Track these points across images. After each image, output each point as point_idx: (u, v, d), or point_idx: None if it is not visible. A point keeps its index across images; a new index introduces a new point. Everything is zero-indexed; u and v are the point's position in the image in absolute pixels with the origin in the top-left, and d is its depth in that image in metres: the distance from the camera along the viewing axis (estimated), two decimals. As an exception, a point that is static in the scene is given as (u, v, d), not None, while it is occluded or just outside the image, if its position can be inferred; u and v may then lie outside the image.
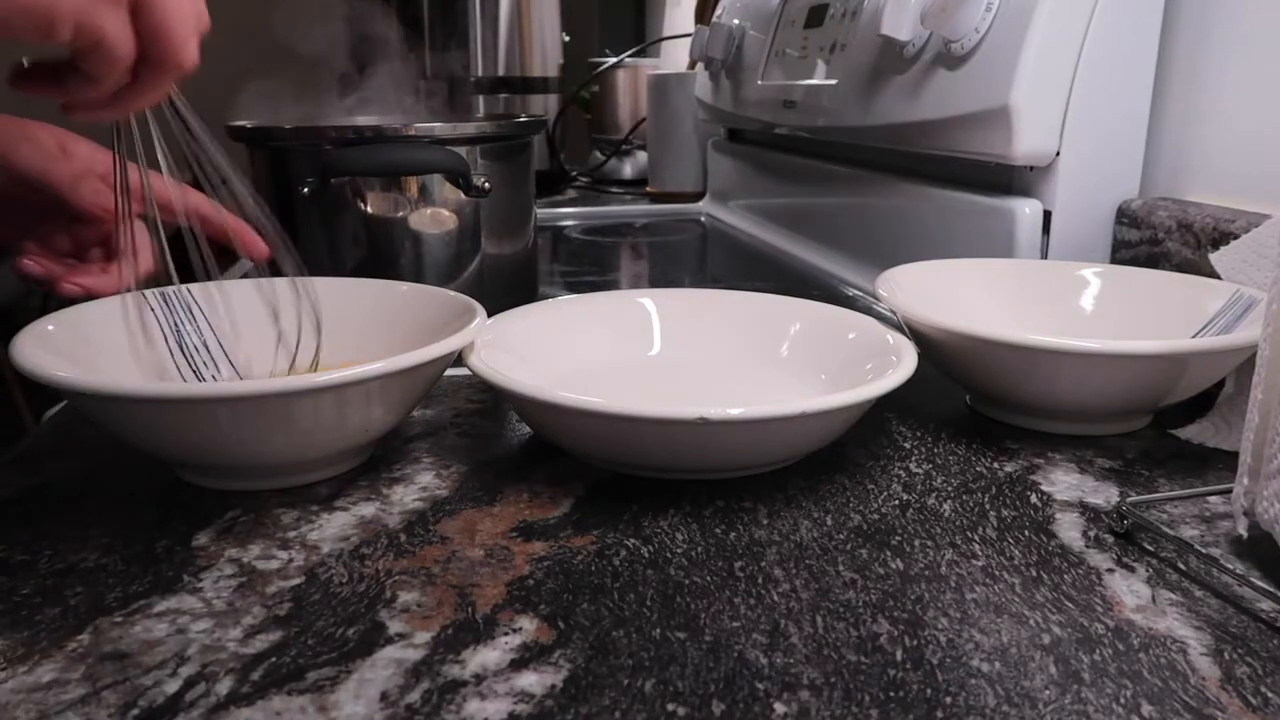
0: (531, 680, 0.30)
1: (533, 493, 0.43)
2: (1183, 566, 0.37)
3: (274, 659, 0.31)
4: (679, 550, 0.38)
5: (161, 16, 0.38)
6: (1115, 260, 0.68)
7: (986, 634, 0.32)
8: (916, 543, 0.39)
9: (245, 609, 0.34)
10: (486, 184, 0.67)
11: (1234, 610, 0.34)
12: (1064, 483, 0.45)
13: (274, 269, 0.49)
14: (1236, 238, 0.56)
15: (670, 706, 0.29)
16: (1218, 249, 0.57)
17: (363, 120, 0.81)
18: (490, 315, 0.50)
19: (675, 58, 1.64)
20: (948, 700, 0.29)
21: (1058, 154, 0.66)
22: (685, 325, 0.58)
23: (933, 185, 0.79)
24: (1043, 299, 0.60)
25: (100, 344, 0.46)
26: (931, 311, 0.50)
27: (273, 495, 0.43)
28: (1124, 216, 0.67)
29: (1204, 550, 0.36)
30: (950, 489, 0.44)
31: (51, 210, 0.53)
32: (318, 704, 0.29)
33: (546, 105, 1.54)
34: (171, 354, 0.48)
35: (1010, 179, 0.72)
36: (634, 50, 1.63)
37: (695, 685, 0.30)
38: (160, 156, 0.44)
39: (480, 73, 1.47)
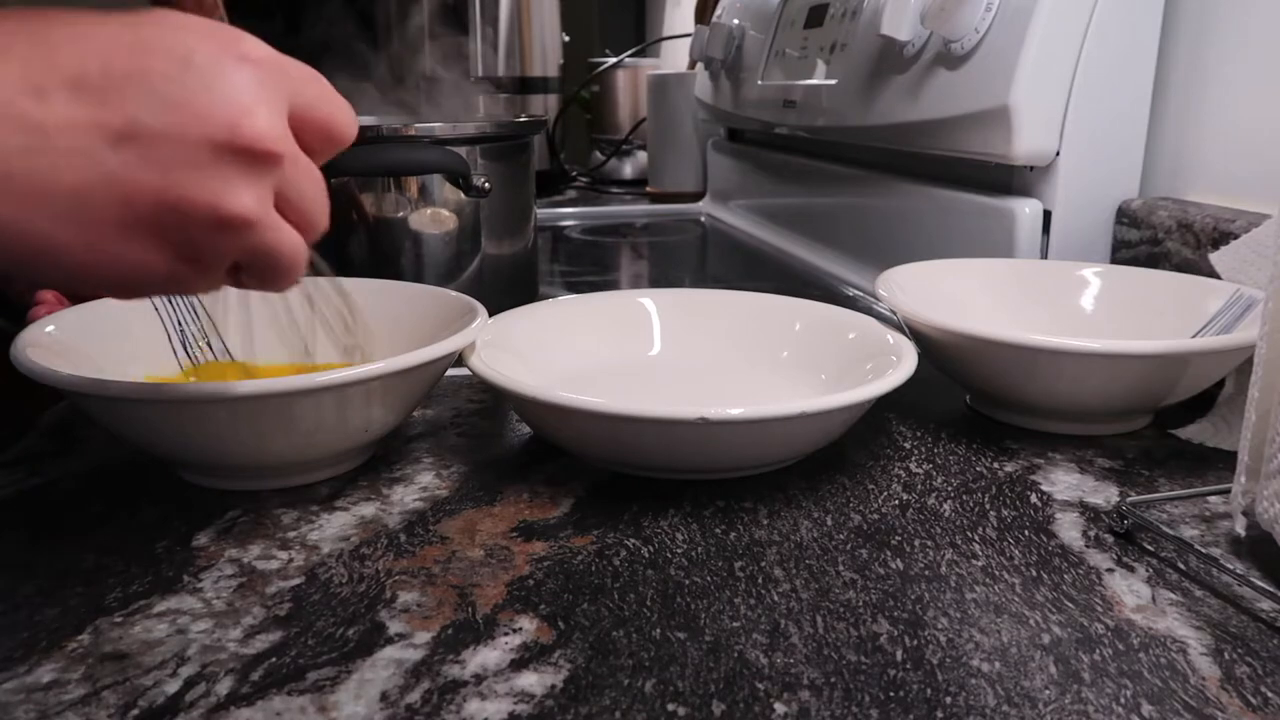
0: (531, 680, 0.30)
1: (533, 493, 0.43)
2: (1183, 566, 0.37)
3: (274, 659, 0.31)
4: (679, 550, 0.38)
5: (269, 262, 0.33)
6: (1115, 260, 0.68)
7: (986, 634, 0.32)
8: (916, 543, 0.39)
9: (245, 609, 0.34)
10: (486, 184, 0.67)
11: (1234, 610, 0.34)
12: (1064, 483, 0.45)
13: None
14: (1236, 238, 0.56)
15: (670, 706, 0.29)
16: (1218, 249, 0.57)
17: (363, 120, 0.81)
18: (490, 315, 0.50)
19: (675, 58, 1.65)
20: (948, 700, 0.29)
21: (1058, 154, 0.66)
22: (685, 325, 0.58)
23: (933, 185, 0.79)
24: (1043, 299, 0.60)
25: (101, 343, 0.46)
26: (931, 311, 0.50)
27: (273, 495, 0.43)
28: (1124, 216, 0.67)
29: (1204, 550, 0.36)
30: (950, 489, 0.44)
31: None
32: (318, 704, 0.29)
33: (546, 105, 1.54)
34: (174, 350, 0.48)
35: (1010, 179, 0.71)
36: (634, 50, 1.63)
37: (695, 685, 0.30)
38: None
39: (480, 73, 1.47)
